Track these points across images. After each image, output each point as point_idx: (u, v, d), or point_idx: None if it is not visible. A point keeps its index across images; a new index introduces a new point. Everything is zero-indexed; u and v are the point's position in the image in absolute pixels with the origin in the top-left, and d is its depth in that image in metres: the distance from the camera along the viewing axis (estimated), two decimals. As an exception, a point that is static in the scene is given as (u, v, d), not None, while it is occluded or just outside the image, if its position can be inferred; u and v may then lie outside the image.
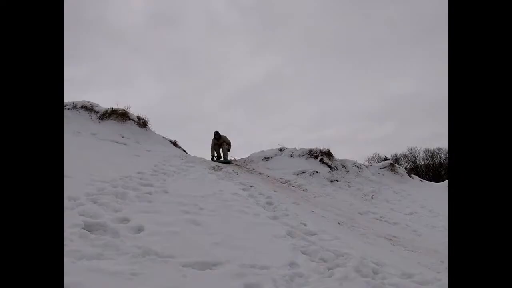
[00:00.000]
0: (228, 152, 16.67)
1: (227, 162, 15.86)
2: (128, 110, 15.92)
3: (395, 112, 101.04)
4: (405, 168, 31.56)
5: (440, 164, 64.59)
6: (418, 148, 67.17)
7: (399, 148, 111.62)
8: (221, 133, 16.60)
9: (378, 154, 59.56)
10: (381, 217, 10.90)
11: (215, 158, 16.29)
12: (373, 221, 10.16)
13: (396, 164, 19.15)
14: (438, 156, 65.91)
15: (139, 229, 4.99)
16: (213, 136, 16.50)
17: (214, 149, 16.49)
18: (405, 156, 66.94)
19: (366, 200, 13.07)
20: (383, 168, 17.86)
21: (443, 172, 57.67)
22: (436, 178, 39.73)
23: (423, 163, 66.40)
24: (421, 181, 19.20)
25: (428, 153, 66.35)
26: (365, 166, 17.84)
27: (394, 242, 8.30)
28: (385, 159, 30.01)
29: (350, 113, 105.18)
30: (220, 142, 16.46)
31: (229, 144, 16.53)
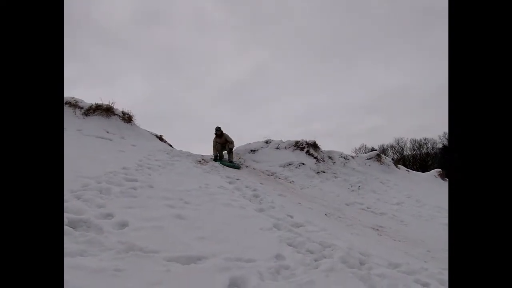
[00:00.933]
0: (234, 155, 15.45)
1: (234, 166, 14.50)
2: (113, 105, 15.77)
3: (382, 105, 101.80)
4: (392, 159, 31.71)
5: (427, 154, 65.23)
6: (405, 139, 67.73)
7: (386, 139, 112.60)
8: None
9: (366, 145, 60.01)
10: (367, 208, 10.94)
11: (218, 159, 14.83)
12: (360, 211, 10.19)
13: (382, 155, 19.23)
14: (425, 146, 66.56)
15: (123, 225, 4.93)
16: (214, 133, 15.11)
17: (217, 149, 14.94)
18: (392, 146, 67.48)
19: (352, 191, 13.12)
20: (369, 158, 17.92)
21: (430, 162, 58.18)
22: (423, 168, 40.06)
23: (410, 153, 67.02)
24: (408, 171, 19.32)
25: (415, 143, 66.95)
26: (352, 157, 17.89)
27: (381, 232, 8.33)
28: (372, 150, 30.17)
29: (338, 106, 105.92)
30: (222, 141, 15.00)
31: (231, 143, 15.11)
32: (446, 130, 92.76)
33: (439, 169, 20.25)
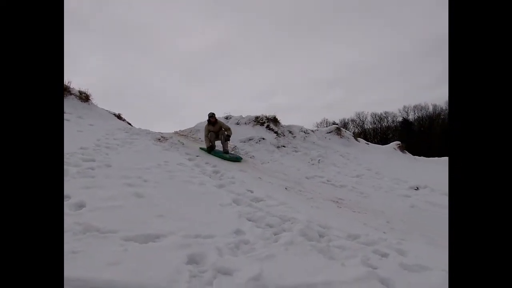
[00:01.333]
0: (229, 143, 13.60)
1: (234, 158, 12.16)
2: (69, 84, 15.34)
3: (344, 79, 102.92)
4: (353, 133, 32.04)
5: (388, 127, 66.53)
6: (366, 113, 68.71)
7: (347, 113, 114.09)
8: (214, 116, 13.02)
9: (327, 119, 60.77)
10: (328, 181, 11.05)
11: (211, 149, 12.74)
12: (320, 185, 10.29)
13: (342, 128, 19.40)
14: (385, 119, 67.82)
15: (80, 206, 4.85)
16: (207, 120, 13.11)
17: (210, 138, 12.77)
18: (353, 120, 68.67)
19: (313, 164, 13.22)
20: (329, 132, 18.05)
21: (390, 135, 59.21)
22: (384, 141, 40.78)
23: (370, 127, 68.13)
24: (368, 144, 19.54)
25: (375, 117, 68.06)
26: (312, 131, 17.97)
27: (341, 204, 8.43)
28: (334, 124, 30.49)
29: (301, 81, 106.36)
30: (216, 129, 12.93)
31: (228, 130, 13.05)
32: (406, 103, 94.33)
33: (398, 142, 20.58)
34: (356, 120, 68.55)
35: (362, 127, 68.05)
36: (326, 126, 25.98)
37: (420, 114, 69.06)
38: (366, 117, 68.20)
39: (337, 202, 8.56)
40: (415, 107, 69.31)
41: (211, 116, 13.04)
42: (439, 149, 38.20)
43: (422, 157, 19.89)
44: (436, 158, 19.68)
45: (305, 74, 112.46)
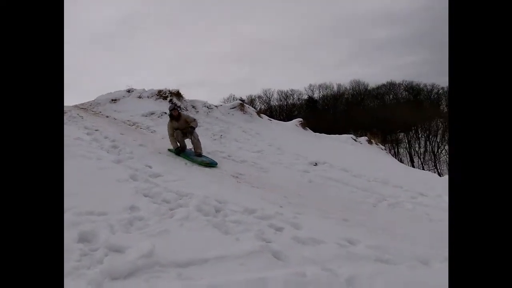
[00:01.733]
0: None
1: (208, 162, 9.55)
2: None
3: (252, 56, 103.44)
4: (259, 109, 32.37)
5: (293, 105, 68.07)
6: (272, 90, 69.79)
7: (254, 90, 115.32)
8: None
9: (234, 95, 60.92)
10: (229, 156, 11.06)
11: (181, 151, 10.15)
12: (221, 160, 10.30)
13: (246, 104, 19.52)
14: (291, 97, 69.35)
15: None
16: (168, 116, 10.55)
17: (177, 138, 10.14)
18: (259, 97, 69.39)
19: (215, 139, 13.18)
20: (233, 108, 18.09)
21: (296, 113, 60.58)
22: (289, 118, 41.74)
23: (277, 104, 69.31)
24: (270, 120, 19.81)
25: (282, 94, 69.29)
26: (216, 106, 17.94)
27: (240, 179, 8.51)
28: (241, 100, 30.67)
29: (210, 56, 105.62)
30: (182, 126, 10.31)
31: (193, 122, 10.45)
32: (312, 82, 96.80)
33: (300, 119, 21.07)
34: (263, 97, 69.47)
35: (268, 103, 69.05)
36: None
37: (325, 93, 71.38)
38: (272, 94, 69.29)
39: (237, 177, 8.64)
40: (320, 85, 71.53)
41: (173, 109, 10.49)
42: (343, 127, 39.66)
43: (323, 134, 20.51)
44: (337, 135, 20.39)
45: (214, 50, 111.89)
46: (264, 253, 4.06)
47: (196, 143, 10.09)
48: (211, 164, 9.45)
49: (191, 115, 10.69)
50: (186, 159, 9.79)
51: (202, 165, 9.33)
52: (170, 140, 10.20)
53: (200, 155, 9.86)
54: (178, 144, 10.10)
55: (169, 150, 10.33)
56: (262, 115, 19.72)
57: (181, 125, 10.27)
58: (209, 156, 10.16)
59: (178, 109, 10.42)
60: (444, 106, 65.91)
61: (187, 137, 10.33)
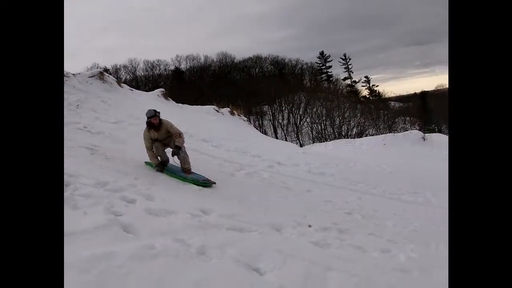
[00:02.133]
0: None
1: (201, 182, 7.89)
2: None
3: (120, 23, 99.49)
4: (125, 79, 31.35)
5: (160, 75, 67.28)
6: (138, 59, 68.20)
7: (121, 59, 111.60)
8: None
9: (98, 64, 58.24)
10: (84, 127, 10.68)
11: (162, 167, 8.39)
12: (76, 131, 9.94)
13: (105, 73, 18.84)
14: (157, 67, 68.34)
15: None
16: (146, 122, 8.46)
17: (157, 151, 8.38)
18: (125, 66, 67.57)
19: (71, 110, 12.59)
20: (91, 77, 17.34)
21: (162, 83, 60.07)
22: (155, 88, 41.42)
23: (143, 74, 68.07)
24: (132, 90, 19.43)
25: (148, 64, 67.92)
26: (73, 74, 17.08)
27: (95, 151, 8.32)
28: (104, 69, 29.50)
29: (76, 23, 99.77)
30: (162, 136, 8.47)
31: (178, 134, 8.41)
32: (180, 53, 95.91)
33: (162, 89, 20.93)
34: (129, 67, 67.60)
35: (134, 73, 67.50)
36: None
37: (192, 64, 71.24)
38: (138, 64, 67.69)
39: (91, 149, 8.41)
40: (187, 57, 71.33)
41: (152, 115, 8.31)
42: (208, 99, 39.88)
43: (186, 104, 20.56)
44: (200, 106, 20.59)
45: (81, 16, 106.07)
46: (112, 226, 4.08)
47: (184, 157, 8.32)
48: (206, 184, 7.88)
49: (175, 125, 8.58)
50: (173, 176, 8.16)
51: (196, 184, 7.80)
52: (149, 155, 8.39)
53: (188, 171, 8.23)
54: (159, 159, 8.43)
55: (146, 163, 8.66)
56: (123, 84, 19.26)
57: (162, 135, 8.45)
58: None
59: (159, 116, 8.35)
60: (307, 80, 69.42)
61: (167, 147, 8.69)
